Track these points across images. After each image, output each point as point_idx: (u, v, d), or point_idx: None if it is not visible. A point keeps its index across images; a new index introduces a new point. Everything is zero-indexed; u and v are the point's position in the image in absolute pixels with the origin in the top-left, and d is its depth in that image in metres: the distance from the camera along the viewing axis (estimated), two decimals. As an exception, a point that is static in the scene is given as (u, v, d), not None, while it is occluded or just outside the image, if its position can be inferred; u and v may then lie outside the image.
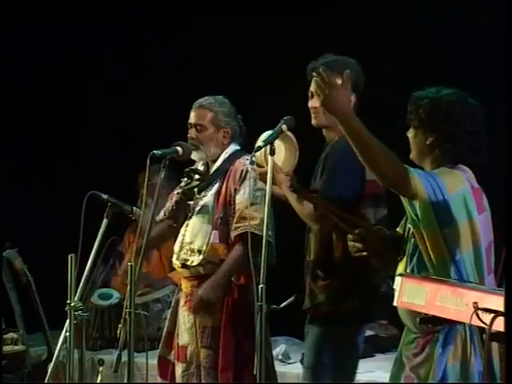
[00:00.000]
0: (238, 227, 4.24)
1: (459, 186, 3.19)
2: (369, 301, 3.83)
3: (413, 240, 3.23)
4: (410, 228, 3.28)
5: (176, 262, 4.44)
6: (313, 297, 3.92)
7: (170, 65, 6.28)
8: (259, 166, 3.87)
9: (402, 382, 3.21)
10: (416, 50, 5.56)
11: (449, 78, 5.39)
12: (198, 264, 4.32)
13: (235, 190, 4.30)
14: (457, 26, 5.41)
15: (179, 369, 4.38)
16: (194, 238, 4.36)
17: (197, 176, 4.42)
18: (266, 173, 3.71)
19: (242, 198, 4.28)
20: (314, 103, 3.91)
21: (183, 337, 4.38)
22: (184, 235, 4.41)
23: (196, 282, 4.35)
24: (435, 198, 3.11)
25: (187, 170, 4.44)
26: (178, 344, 4.42)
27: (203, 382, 4.28)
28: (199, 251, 4.33)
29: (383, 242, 3.39)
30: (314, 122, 3.94)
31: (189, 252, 4.36)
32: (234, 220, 4.28)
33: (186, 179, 4.44)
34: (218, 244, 4.31)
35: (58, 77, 6.49)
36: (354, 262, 3.50)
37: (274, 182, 3.68)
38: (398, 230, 3.44)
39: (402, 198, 3.17)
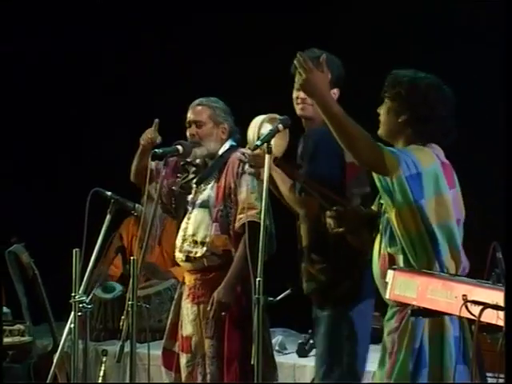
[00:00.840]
0: (240, 218, 4.29)
1: (431, 160, 3.28)
2: (365, 277, 3.82)
3: (386, 215, 3.31)
4: (382, 204, 3.36)
5: (179, 255, 4.48)
6: (313, 280, 3.96)
7: (170, 65, 6.27)
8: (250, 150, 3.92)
9: (388, 360, 3.28)
10: (416, 50, 5.57)
11: (448, 78, 5.50)
12: (202, 256, 4.36)
13: (235, 183, 4.35)
14: (457, 25, 5.44)
15: (184, 359, 4.43)
16: (196, 230, 4.41)
17: (193, 169, 4.48)
18: (257, 155, 3.79)
19: (242, 189, 4.32)
20: (300, 94, 3.99)
21: (187, 328, 4.42)
22: (186, 228, 4.45)
23: (200, 275, 4.40)
24: (409, 172, 3.19)
25: (183, 163, 4.50)
26: (181, 335, 4.46)
27: (208, 371, 4.33)
28: (202, 243, 4.37)
29: (360, 220, 3.47)
30: (299, 112, 4.01)
31: (192, 244, 4.40)
32: (238, 211, 4.33)
33: (182, 173, 4.51)
34: (219, 235, 4.36)
35: (58, 77, 6.49)
36: (347, 241, 3.58)
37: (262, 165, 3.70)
38: (372, 207, 3.51)
39: (374, 174, 3.25)
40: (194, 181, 4.49)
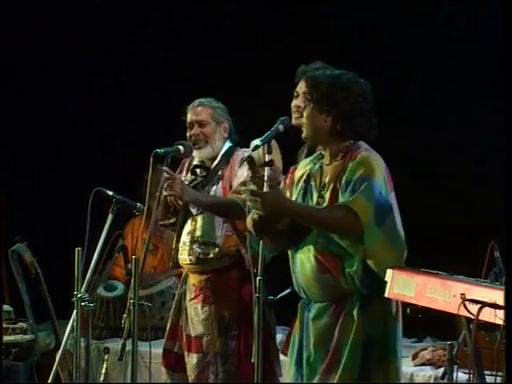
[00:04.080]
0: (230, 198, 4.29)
1: (382, 170, 3.35)
2: None
3: None
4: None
5: (187, 258, 4.42)
6: None
7: (170, 64, 6.27)
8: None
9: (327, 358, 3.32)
10: (416, 49, 5.58)
11: (448, 78, 5.52)
12: (215, 257, 4.35)
13: (235, 175, 4.37)
14: (457, 25, 5.45)
15: (193, 359, 4.40)
16: (205, 231, 4.38)
17: (203, 172, 4.47)
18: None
19: (237, 179, 4.34)
20: (297, 102, 4.02)
21: (196, 328, 4.40)
22: (194, 230, 4.42)
23: (211, 275, 4.39)
24: (378, 207, 3.27)
25: (192, 167, 4.50)
26: (188, 335, 4.45)
27: (220, 370, 4.33)
28: (214, 244, 4.36)
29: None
30: (294, 121, 3.99)
31: (202, 246, 4.39)
32: (229, 193, 4.32)
33: (190, 176, 4.49)
34: (230, 236, 4.33)
35: (58, 76, 6.49)
36: None
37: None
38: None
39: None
40: (200, 185, 4.48)
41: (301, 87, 4.07)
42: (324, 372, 3.33)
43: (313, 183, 3.46)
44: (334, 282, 3.32)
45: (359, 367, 3.29)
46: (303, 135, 3.48)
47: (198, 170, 4.50)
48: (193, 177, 4.49)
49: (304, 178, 3.50)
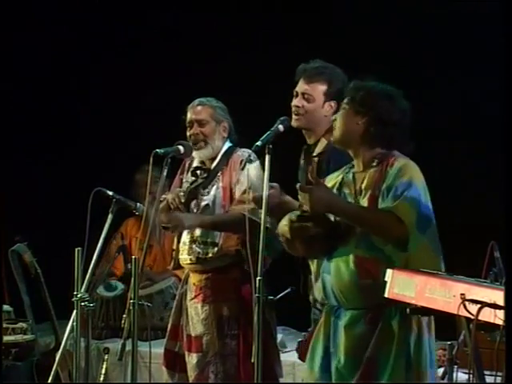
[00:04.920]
0: (234, 209, 4.30)
1: (422, 177, 3.37)
2: None
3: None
4: None
5: (187, 257, 4.43)
6: None
7: (170, 64, 6.27)
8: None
9: (362, 365, 3.30)
10: (415, 49, 5.58)
11: (447, 78, 5.51)
12: (214, 256, 4.35)
13: (237, 180, 4.35)
14: (456, 26, 5.44)
15: (193, 359, 4.40)
16: (205, 231, 4.39)
17: (204, 174, 4.46)
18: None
19: (240, 185, 4.32)
20: (296, 102, 4.04)
21: (196, 328, 4.40)
22: (193, 230, 4.42)
23: (211, 274, 4.39)
24: (420, 213, 3.29)
25: (192, 169, 4.50)
26: (188, 335, 4.45)
27: (220, 369, 4.33)
28: (213, 243, 4.37)
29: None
30: (294, 123, 4.02)
31: (202, 245, 4.39)
32: (233, 203, 4.32)
33: (191, 178, 4.49)
34: (231, 235, 4.34)
35: (59, 76, 6.49)
36: None
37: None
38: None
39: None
40: (202, 185, 4.49)
41: (300, 86, 4.08)
42: (359, 381, 3.31)
43: (346, 191, 3.46)
44: (374, 288, 3.26)
45: (403, 379, 3.28)
46: (333, 137, 3.47)
47: (198, 172, 4.50)
48: (193, 178, 4.50)
49: (336, 186, 3.50)
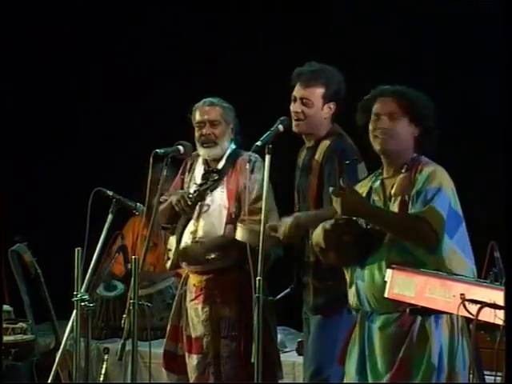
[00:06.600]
0: (243, 220, 4.27)
1: (451, 182, 3.42)
2: None
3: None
4: None
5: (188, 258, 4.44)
6: (321, 296, 4.01)
7: (170, 64, 6.26)
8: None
9: (395, 366, 3.33)
10: (414, 50, 5.58)
11: (447, 78, 5.51)
12: (216, 257, 4.35)
13: (244, 184, 4.32)
14: (456, 26, 5.42)
15: (193, 360, 4.40)
16: (208, 232, 4.38)
17: (215, 176, 4.43)
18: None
19: (249, 192, 4.28)
20: (296, 108, 4.04)
21: (196, 329, 4.40)
22: (196, 230, 4.41)
23: (212, 275, 4.39)
24: (449, 218, 3.34)
25: (204, 172, 4.45)
26: (188, 336, 4.45)
27: (220, 371, 4.33)
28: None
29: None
30: (295, 129, 4.03)
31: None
32: (247, 212, 4.26)
33: (201, 180, 4.45)
34: (233, 237, 4.29)
35: (59, 76, 6.50)
36: None
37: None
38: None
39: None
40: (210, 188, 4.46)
41: (297, 91, 4.07)
42: (392, 381, 3.33)
43: (375, 198, 3.50)
44: None
45: (435, 380, 3.30)
46: (385, 147, 3.47)
47: (209, 175, 4.45)
48: (203, 181, 4.45)
49: (365, 193, 3.53)
